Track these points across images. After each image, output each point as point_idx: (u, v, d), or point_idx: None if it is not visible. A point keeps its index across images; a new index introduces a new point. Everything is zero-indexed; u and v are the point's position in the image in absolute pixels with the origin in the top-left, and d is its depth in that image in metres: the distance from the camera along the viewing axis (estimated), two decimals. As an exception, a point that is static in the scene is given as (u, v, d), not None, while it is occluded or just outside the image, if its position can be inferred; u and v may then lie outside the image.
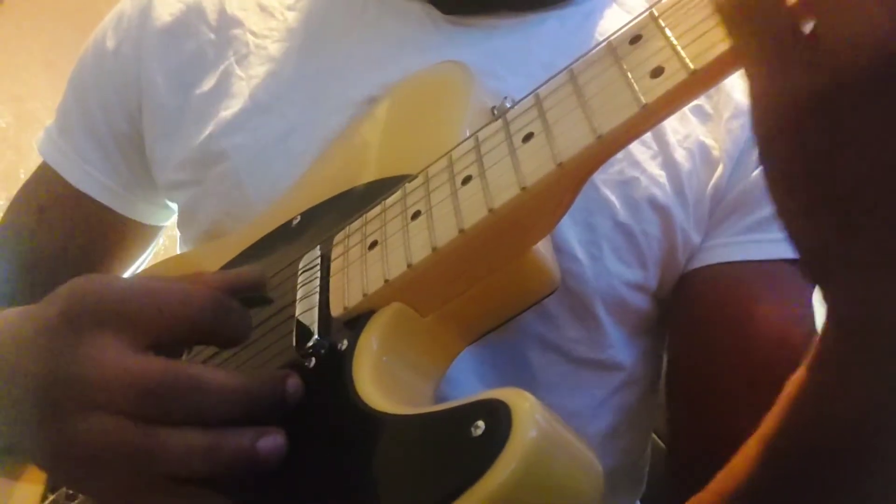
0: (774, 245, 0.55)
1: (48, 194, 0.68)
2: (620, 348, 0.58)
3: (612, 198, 0.55)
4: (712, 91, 0.59)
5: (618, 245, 0.56)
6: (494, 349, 0.54)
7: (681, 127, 0.58)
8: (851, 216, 0.32)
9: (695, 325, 0.58)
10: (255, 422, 0.37)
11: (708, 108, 0.59)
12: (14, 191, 0.71)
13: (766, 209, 0.56)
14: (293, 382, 0.39)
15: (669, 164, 0.57)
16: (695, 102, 0.58)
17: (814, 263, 0.36)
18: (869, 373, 0.37)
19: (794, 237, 0.35)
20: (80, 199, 0.67)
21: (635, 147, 0.56)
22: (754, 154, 0.57)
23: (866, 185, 0.31)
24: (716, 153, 0.58)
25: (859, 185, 0.31)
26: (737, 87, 0.59)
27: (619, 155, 0.54)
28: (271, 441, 0.37)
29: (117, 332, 0.37)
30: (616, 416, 0.60)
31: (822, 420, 0.40)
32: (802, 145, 0.32)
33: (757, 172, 0.57)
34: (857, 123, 0.30)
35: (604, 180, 0.55)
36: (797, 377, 0.41)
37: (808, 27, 0.30)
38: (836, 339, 0.38)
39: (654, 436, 0.75)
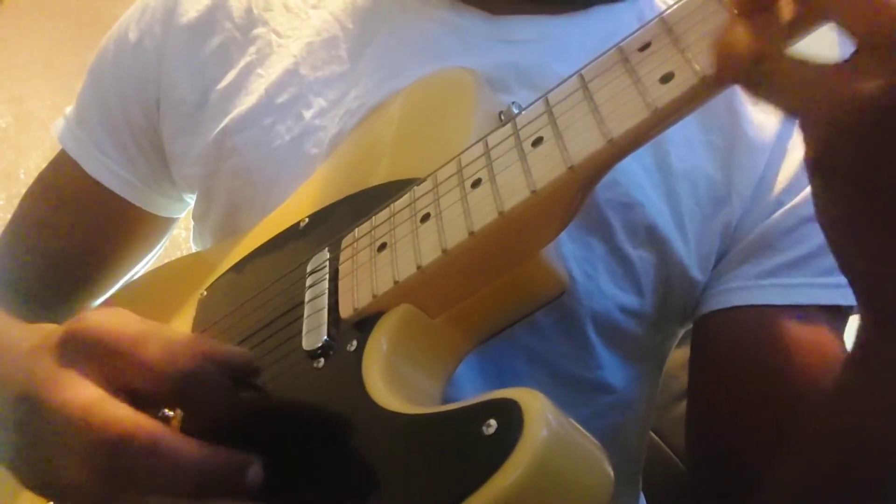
0: (797, 290, 0.55)
1: (68, 185, 0.68)
2: (612, 371, 0.58)
3: (613, 220, 0.55)
4: (724, 123, 0.58)
5: (612, 268, 0.55)
6: (482, 356, 0.53)
7: (688, 156, 0.57)
8: None
9: (714, 367, 0.58)
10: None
11: (719, 141, 0.57)
12: (14, 191, 0.72)
13: (789, 253, 0.55)
14: (254, 471, 0.37)
15: (671, 195, 0.56)
16: (707, 137, 0.57)
17: (861, 274, 0.36)
18: None
19: (842, 246, 0.36)
20: (98, 191, 0.67)
21: (641, 173, 0.56)
22: (771, 194, 0.56)
23: None
24: (724, 188, 0.57)
25: None
26: (750, 121, 0.57)
27: (626, 177, 0.55)
28: None
29: (98, 370, 0.38)
30: (601, 436, 0.59)
31: (878, 404, 0.40)
32: (872, 159, 0.31)
33: (778, 214, 0.56)
34: None
35: (607, 200, 0.54)
36: (830, 386, 0.42)
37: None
38: (875, 335, 0.38)
39: (656, 438, 0.76)
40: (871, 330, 0.39)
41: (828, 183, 0.34)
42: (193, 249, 0.69)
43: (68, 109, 0.69)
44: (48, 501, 0.50)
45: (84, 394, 0.36)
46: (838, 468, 0.43)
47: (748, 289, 0.56)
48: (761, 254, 0.56)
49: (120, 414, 0.36)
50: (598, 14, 0.60)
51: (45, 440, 0.37)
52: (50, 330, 0.41)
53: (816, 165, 0.33)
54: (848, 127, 0.30)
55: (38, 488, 0.39)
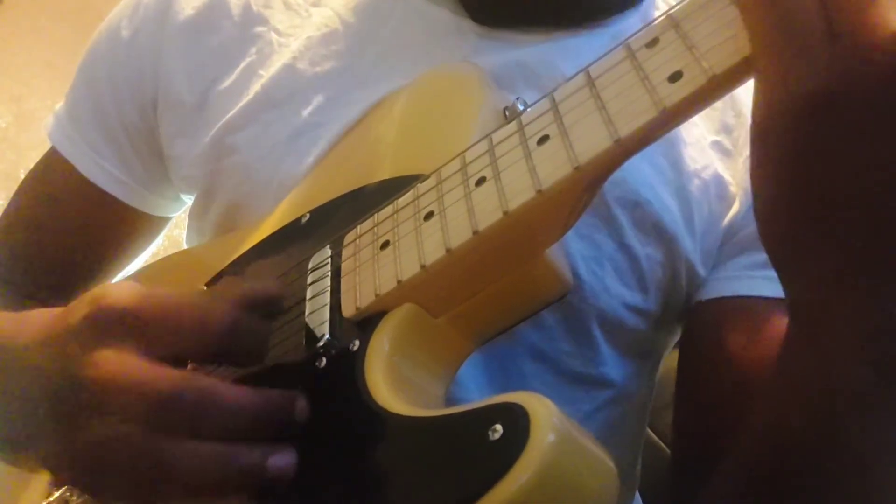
0: None
1: (59, 184, 0.67)
2: (612, 366, 0.58)
3: (622, 218, 0.55)
4: (733, 126, 0.59)
5: (620, 266, 0.55)
6: (487, 355, 0.53)
7: (700, 157, 0.57)
8: (828, 221, 0.33)
9: (698, 354, 0.58)
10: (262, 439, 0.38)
11: (727, 143, 0.59)
12: (14, 191, 0.70)
13: None
14: (301, 404, 0.40)
15: (682, 193, 0.57)
16: (714, 138, 0.58)
17: (778, 253, 0.36)
18: (823, 356, 0.37)
19: (766, 225, 0.35)
20: (91, 190, 0.66)
21: (651, 170, 0.56)
22: None
23: (851, 196, 0.31)
24: (732, 189, 0.58)
25: (844, 194, 0.31)
26: None
27: (634, 175, 0.55)
28: (282, 458, 0.37)
29: (136, 343, 0.38)
30: (601, 430, 0.59)
31: (793, 402, 0.40)
32: (797, 145, 0.31)
33: None
34: (857, 131, 0.30)
35: (616, 198, 0.55)
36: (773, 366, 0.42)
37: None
38: (794, 327, 0.39)
39: (654, 437, 0.75)
40: (790, 328, 0.39)
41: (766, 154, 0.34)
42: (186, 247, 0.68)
43: (58, 107, 0.68)
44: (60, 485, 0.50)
45: (131, 364, 0.37)
46: (771, 462, 0.43)
47: (738, 279, 0.57)
48: (755, 246, 0.57)
49: (170, 373, 0.37)
50: (603, 24, 0.60)
51: (96, 419, 0.37)
52: (53, 315, 0.41)
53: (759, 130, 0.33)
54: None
55: (82, 471, 0.39)
